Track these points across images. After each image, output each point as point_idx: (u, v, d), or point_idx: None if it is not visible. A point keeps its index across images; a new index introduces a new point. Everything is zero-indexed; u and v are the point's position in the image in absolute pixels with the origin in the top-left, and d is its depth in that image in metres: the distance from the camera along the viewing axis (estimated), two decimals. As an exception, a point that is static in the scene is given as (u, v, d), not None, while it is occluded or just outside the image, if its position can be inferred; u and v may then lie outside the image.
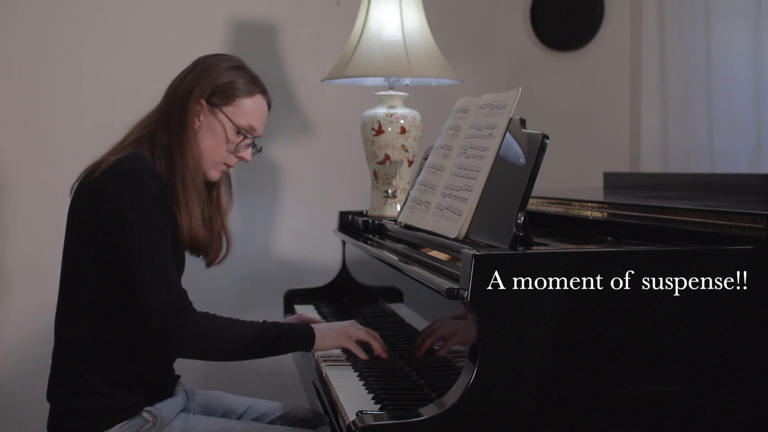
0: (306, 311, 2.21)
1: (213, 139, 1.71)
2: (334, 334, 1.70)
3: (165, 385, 1.74)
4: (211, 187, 1.80)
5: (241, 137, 1.73)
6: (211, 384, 2.77)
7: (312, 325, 1.70)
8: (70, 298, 1.67)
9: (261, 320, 1.68)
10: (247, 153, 1.77)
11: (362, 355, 1.70)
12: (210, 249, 1.76)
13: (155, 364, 1.70)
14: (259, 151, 1.83)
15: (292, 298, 2.46)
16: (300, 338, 1.67)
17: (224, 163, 1.76)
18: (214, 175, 1.75)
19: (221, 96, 1.70)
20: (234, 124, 1.71)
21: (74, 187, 1.69)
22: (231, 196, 1.86)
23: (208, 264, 1.81)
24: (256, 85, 1.75)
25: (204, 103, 1.69)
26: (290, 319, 1.93)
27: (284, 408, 1.92)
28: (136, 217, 1.54)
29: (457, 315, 1.45)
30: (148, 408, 1.65)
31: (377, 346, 1.71)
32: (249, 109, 1.72)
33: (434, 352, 1.58)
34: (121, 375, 1.63)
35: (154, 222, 1.56)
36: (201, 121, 1.70)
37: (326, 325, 1.75)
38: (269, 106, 1.79)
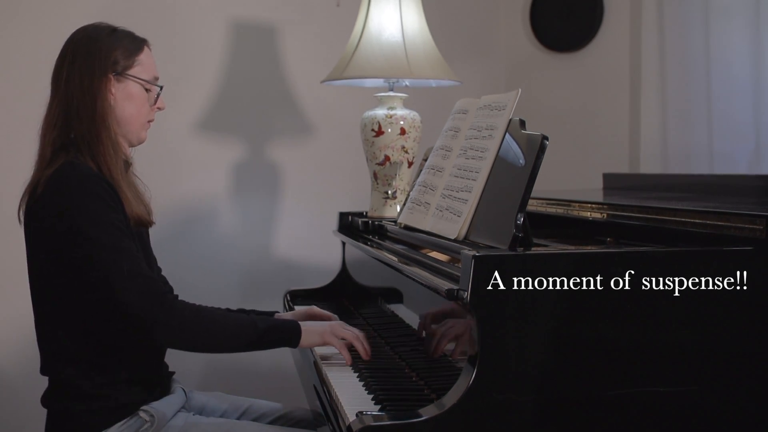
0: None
1: (134, 104, 1.74)
2: (320, 331, 1.71)
3: (159, 383, 1.74)
4: (126, 165, 1.79)
5: (154, 89, 1.78)
6: (210, 384, 2.77)
7: (300, 322, 1.71)
8: (44, 314, 1.67)
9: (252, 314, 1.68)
10: (161, 101, 1.81)
11: (346, 355, 1.71)
12: (149, 219, 1.76)
13: (143, 362, 1.70)
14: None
15: (292, 299, 2.46)
16: (286, 334, 1.68)
17: (148, 121, 1.79)
18: (144, 136, 1.79)
19: (122, 63, 1.72)
20: (144, 80, 1.75)
21: (22, 211, 1.69)
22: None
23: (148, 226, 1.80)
24: (136, 37, 1.78)
25: (112, 77, 1.70)
26: (302, 311, 1.93)
27: (284, 408, 1.92)
28: (89, 224, 1.55)
29: (454, 313, 1.45)
30: (144, 407, 1.65)
31: (360, 347, 1.71)
32: (146, 61, 1.77)
33: (436, 352, 1.58)
34: (109, 377, 1.63)
35: (108, 222, 1.57)
36: (115, 95, 1.71)
37: (314, 322, 1.76)
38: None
